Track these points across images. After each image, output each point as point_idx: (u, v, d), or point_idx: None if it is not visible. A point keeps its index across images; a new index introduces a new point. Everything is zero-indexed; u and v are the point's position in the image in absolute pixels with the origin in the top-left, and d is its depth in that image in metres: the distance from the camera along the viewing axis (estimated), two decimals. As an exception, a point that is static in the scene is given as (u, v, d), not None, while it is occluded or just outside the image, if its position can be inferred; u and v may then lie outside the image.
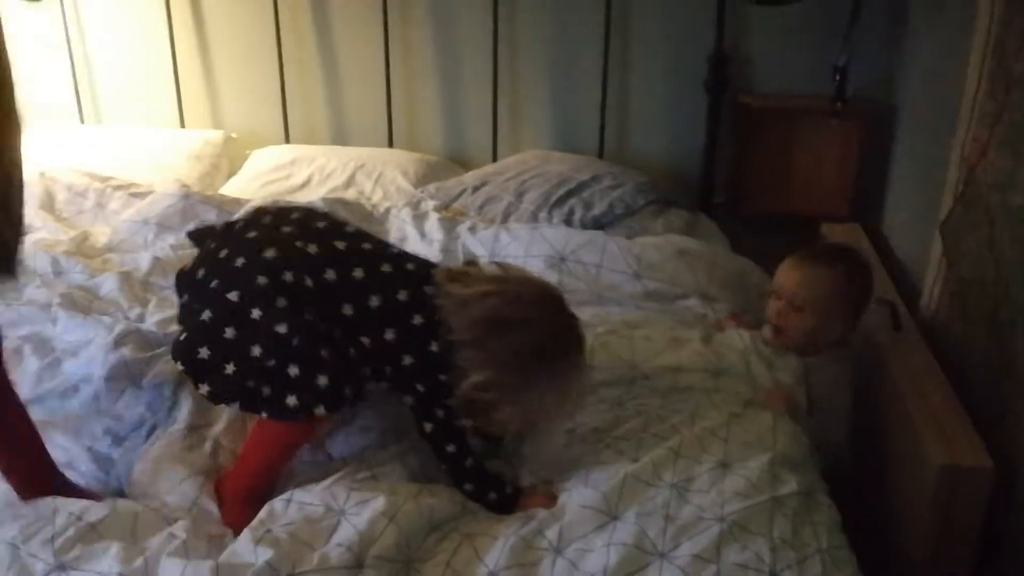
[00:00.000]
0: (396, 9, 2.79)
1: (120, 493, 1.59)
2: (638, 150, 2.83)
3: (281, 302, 1.47)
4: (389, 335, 1.50)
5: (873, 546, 1.63)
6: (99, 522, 1.42)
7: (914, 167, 2.44)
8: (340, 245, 1.56)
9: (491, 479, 1.57)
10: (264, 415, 1.50)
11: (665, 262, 2.11)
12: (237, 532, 1.45)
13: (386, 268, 1.55)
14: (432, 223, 2.40)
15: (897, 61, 2.58)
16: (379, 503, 1.44)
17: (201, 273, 1.54)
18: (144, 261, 2.20)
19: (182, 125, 2.97)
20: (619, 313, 1.98)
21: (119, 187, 2.58)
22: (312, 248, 1.53)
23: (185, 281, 1.58)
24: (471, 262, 1.69)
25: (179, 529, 1.42)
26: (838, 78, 2.55)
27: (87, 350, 1.78)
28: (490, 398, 1.48)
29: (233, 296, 1.47)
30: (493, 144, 2.89)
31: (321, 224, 1.61)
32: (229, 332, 1.47)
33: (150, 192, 2.53)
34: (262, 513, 1.45)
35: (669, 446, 1.54)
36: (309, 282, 1.49)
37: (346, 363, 1.48)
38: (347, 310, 1.50)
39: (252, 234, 1.56)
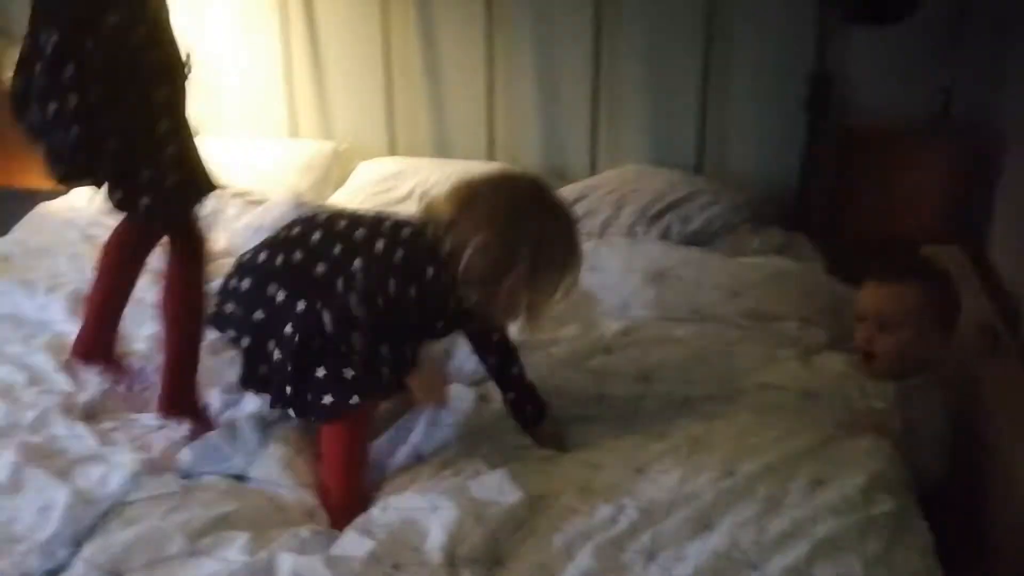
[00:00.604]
0: (499, 27, 2.87)
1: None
2: (736, 167, 2.85)
3: (281, 295, 1.59)
4: (398, 255, 1.60)
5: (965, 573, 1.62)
6: (232, 512, 1.53)
7: (1020, 190, 2.40)
8: (342, 223, 1.67)
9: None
10: (313, 420, 1.63)
11: (764, 283, 2.14)
12: None
13: (387, 226, 1.66)
14: (531, 235, 2.47)
15: (1003, 82, 2.55)
16: (466, 503, 1.51)
17: (229, 307, 1.69)
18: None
19: (295, 136, 3.11)
20: (716, 330, 2.01)
21: (236, 195, 2.72)
22: (316, 235, 1.64)
23: (219, 320, 1.73)
24: None
25: (303, 530, 1.52)
26: (943, 99, 2.53)
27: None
28: (493, 263, 1.55)
29: (259, 315, 1.63)
30: (591, 158, 2.95)
31: (322, 217, 1.72)
32: (271, 346, 1.62)
33: (264, 200, 2.67)
34: (361, 518, 1.55)
35: (765, 462, 1.57)
36: (321, 268, 1.60)
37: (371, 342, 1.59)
38: (357, 264, 1.59)
39: (262, 256, 1.68)
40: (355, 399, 1.59)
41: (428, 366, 1.66)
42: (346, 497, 1.63)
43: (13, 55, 3.14)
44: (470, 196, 1.60)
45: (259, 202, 2.67)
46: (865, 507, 1.47)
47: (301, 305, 1.60)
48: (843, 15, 2.40)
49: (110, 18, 1.70)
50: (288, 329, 1.59)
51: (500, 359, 1.80)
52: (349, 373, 1.58)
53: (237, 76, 3.10)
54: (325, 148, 3.01)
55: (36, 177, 3.18)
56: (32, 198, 2.98)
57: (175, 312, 1.91)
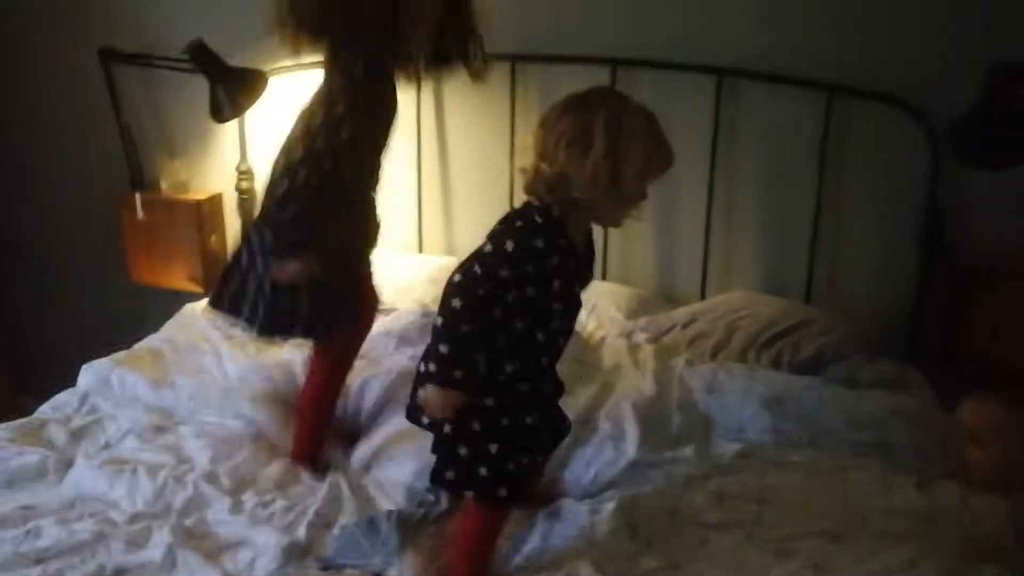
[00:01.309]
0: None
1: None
2: (846, 298, 2.90)
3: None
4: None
5: None
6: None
7: None
8: None
9: None
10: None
11: (881, 416, 2.18)
12: None
13: None
14: (646, 353, 2.57)
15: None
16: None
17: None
18: (384, 367, 2.52)
19: (420, 251, 3.31)
20: (832, 457, 2.06)
21: (369, 304, 2.91)
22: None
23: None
24: None
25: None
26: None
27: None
28: (574, 144, 1.64)
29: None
30: (702, 283, 3.04)
31: None
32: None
33: (393, 309, 2.84)
34: None
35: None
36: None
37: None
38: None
39: None
40: (469, 493, 1.73)
41: None
42: None
43: (172, 167, 3.46)
44: (544, 117, 1.73)
45: (388, 311, 2.84)
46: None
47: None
48: (961, 161, 2.48)
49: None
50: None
51: None
52: (483, 471, 1.71)
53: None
54: (448, 263, 3.18)
55: (180, 279, 3.46)
56: (177, 298, 3.22)
57: (311, 399, 2.24)
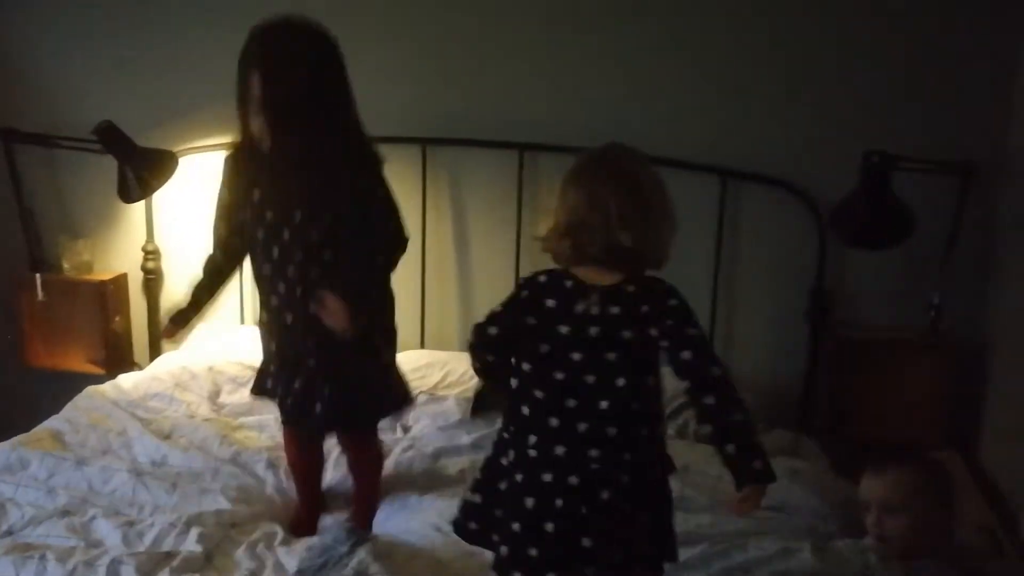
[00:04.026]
0: (526, 239, 3.15)
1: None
2: (743, 373, 3.04)
3: None
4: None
5: None
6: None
7: (1008, 399, 2.60)
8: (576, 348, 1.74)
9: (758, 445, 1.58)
10: None
11: (780, 479, 2.28)
12: None
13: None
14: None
15: (989, 301, 2.81)
16: None
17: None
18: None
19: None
20: (735, 522, 2.15)
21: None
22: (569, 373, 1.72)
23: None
24: None
25: None
26: (932, 314, 2.77)
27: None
28: (638, 208, 1.67)
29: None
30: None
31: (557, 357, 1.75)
32: None
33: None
34: None
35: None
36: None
37: None
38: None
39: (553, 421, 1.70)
40: None
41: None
42: None
43: (75, 248, 3.40)
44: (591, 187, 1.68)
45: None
46: None
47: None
48: (843, 240, 2.66)
49: None
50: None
51: (719, 399, 1.62)
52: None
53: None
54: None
55: (80, 361, 3.38)
56: (74, 379, 3.16)
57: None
